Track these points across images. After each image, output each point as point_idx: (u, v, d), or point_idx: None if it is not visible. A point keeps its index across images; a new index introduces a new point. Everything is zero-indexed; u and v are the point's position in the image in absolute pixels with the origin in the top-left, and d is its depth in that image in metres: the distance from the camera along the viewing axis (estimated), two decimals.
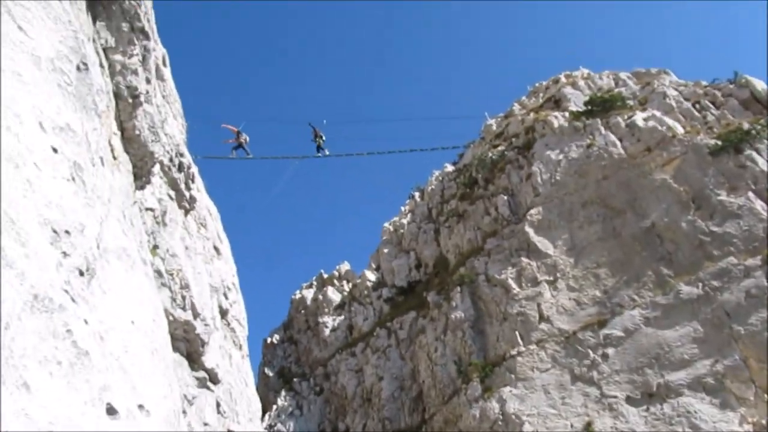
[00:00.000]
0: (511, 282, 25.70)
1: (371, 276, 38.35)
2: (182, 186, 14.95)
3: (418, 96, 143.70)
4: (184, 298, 13.02)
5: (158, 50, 12.41)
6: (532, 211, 27.44)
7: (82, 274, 3.20)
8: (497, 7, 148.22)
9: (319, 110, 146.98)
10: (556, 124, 30.29)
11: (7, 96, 3.48)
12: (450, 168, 39.97)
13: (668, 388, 20.41)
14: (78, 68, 5.05)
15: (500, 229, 28.60)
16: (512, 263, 26.46)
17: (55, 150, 3.67)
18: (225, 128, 30.18)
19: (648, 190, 25.42)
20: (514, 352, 23.85)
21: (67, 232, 3.19)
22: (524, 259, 26.13)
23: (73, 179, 3.72)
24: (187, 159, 15.93)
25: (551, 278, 25.15)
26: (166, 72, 13.86)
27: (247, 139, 30.37)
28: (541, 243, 26.30)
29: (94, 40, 7.97)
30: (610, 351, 22.16)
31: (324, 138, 33.67)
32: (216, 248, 17.06)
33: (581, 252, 25.44)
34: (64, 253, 3.10)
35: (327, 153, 34.11)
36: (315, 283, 43.59)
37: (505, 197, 29.53)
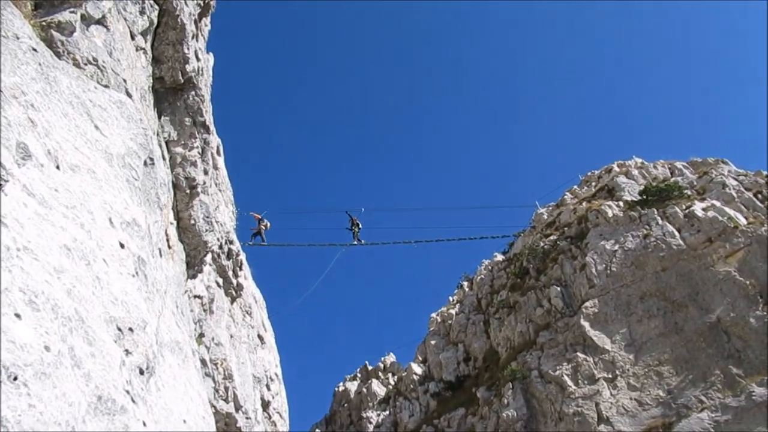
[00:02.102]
0: (566, 379, 24.68)
1: (418, 369, 37.43)
2: (230, 273, 15.25)
3: (465, 184, 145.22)
4: (227, 389, 12.99)
5: (213, 140, 13.02)
6: (587, 304, 26.69)
7: (142, 372, 3.24)
8: (546, 94, 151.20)
9: (368, 197, 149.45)
10: (610, 213, 29.95)
11: (83, 193, 3.68)
12: (500, 257, 39.60)
13: None
14: (145, 163, 5.33)
15: (553, 322, 27.82)
16: (567, 358, 25.51)
17: (122, 245, 3.83)
18: (251, 215, 30.98)
19: (711, 283, 24.51)
20: None
21: (130, 329, 3.27)
22: (580, 355, 25.18)
23: (137, 274, 3.84)
24: (236, 246, 16.30)
25: (610, 375, 24.07)
26: (220, 161, 14.48)
27: (269, 225, 30.90)
28: (598, 337, 25.38)
29: (158, 134, 8.47)
30: None
31: (360, 226, 34.04)
32: (260, 337, 17.11)
33: (641, 348, 24.40)
34: (127, 351, 3.16)
35: (363, 242, 34.29)
36: (359, 375, 42.81)
37: (558, 288, 28.89)
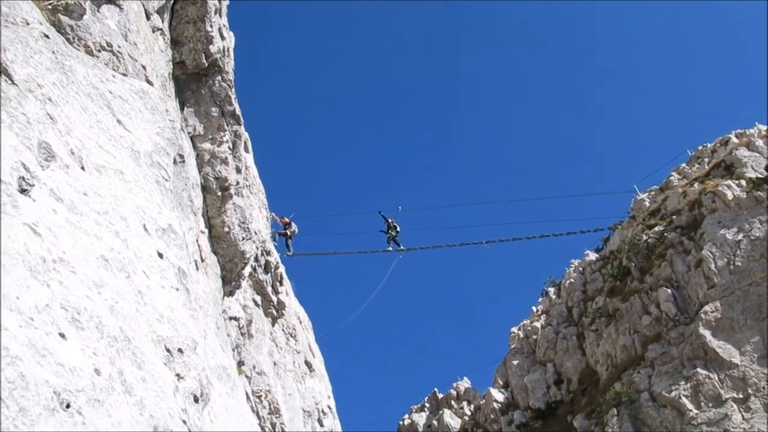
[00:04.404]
0: (685, 401, 24.24)
1: (498, 395, 37.32)
2: (269, 290, 15.48)
3: (545, 168, 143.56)
4: (273, 425, 13.22)
5: (243, 133, 13.28)
6: (707, 308, 26.11)
7: (196, 400, 3.36)
8: (643, 54, 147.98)
9: (423, 189, 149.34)
10: (730, 195, 29.23)
11: (113, 197, 3.85)
12: (593, 256, 39.16)
13: None
14: (175, 161, 5.52)
15: (665, 332, 27.35)
16: (685, 376, 25.04)
17: (160, 255, 3.98)
18: (273, 219, 31.00)
19: None
20: None
21: (180, 350, 3.40)
22: (701, 371, 24.67)
23: (179, 288, 3.99)
24: (274, 257, 16.55)
25: (740, 395, 23.55)
26: (249, 158, 14.72)
27: (296, 231, 31.01)
28: (723, 349, 24.81)
29: (182, 129, 8.71)
30: None
31: (399, 229, 34.24)
32: (308, 363, 17.36)
33: None
34: (178, 376, 3.29)
35: (401, 247, 34.38)
36: (428, 404, 42.96)
37: (669, 291, 28.38)
